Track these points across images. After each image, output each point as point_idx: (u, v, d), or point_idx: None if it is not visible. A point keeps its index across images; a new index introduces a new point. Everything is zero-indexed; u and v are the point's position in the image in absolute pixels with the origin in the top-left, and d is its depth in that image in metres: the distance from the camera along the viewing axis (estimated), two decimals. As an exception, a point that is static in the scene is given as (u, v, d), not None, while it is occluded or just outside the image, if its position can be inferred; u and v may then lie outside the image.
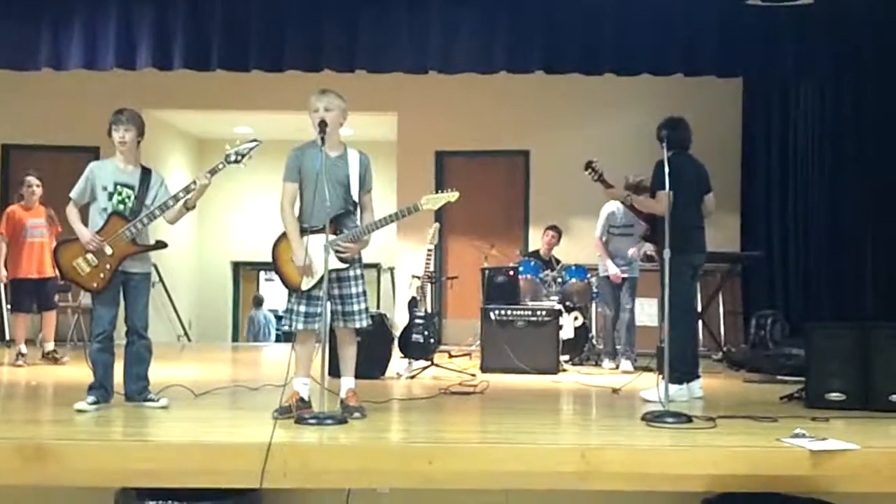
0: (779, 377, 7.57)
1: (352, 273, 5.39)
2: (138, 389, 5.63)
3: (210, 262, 14.78)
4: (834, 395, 5.81)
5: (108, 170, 5.63)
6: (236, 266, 15.67)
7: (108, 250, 5.48)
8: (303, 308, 5.33)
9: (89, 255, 5.48)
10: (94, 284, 5.51)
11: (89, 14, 8.57)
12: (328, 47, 8.64)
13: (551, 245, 10.03)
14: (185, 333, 12.76)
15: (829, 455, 4.34)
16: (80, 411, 5.30)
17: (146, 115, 5.97)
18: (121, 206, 5.57)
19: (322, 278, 5.17)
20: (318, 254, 5.22)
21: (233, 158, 5.64)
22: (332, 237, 5.20)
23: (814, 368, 5.97)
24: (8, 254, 8.73)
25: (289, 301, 5.42)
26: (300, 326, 5.33)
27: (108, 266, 5.50)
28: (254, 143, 5.68)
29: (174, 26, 8.58)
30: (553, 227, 10.04)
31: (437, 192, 5.69)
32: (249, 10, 8.61)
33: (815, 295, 10.49)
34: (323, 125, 5.29)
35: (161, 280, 11.79)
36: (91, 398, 5.41)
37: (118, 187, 5.58)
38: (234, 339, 15.52)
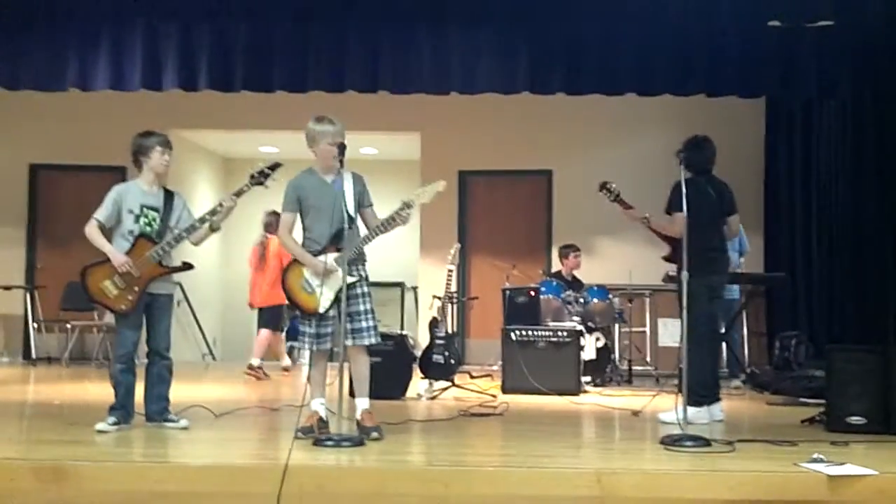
0: (801, 399, 7.51)
1: (359, 290, 5.43)
2: (159, 410, 5.67)
3: (235, 280, 14.82)
4: (854, 419, 5.76)
5: (134, 192, 5.66)
6: (261, 284, 15.71)
7: (136, 272, 5.50)
8: (314, 329, 5.40)
9: (116, 278, 5.49)
10: (123, 307, 5.53)
11: (116, 36, 8.68)
12: (351, 68, 8.72)
13: (577, 265, 9.98)
14: (210, 352, 12.83)
15: (847, 480, 4.31)
16: (100, 432, 5.35)
17: (172, 135, 6.03)
18: (147, 229, 5.61)
19: (334, 300, 5.29)
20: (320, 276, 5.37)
21: (256, 181, 5.70)
22: (336, 255, 5.31)
23: (834, 392, 5.92)
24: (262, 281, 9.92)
25: (301, 324, 5.47)
26: (314, 348, 5.41)
27: (135, 288, 5.52)
28: (276, 166, 5.75)
29: (199, 48, 8.69)
30: (574, 248, 10.00)
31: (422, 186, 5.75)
32: (273, 31, 8.70)
33: (840, 316, 10.40)
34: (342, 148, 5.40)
35: (186, 298, 11.89)
36: (112, 419, 5.46)
37: (144, 210, 5.62)
38: (259, 357, 15.55)
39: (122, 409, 5.53)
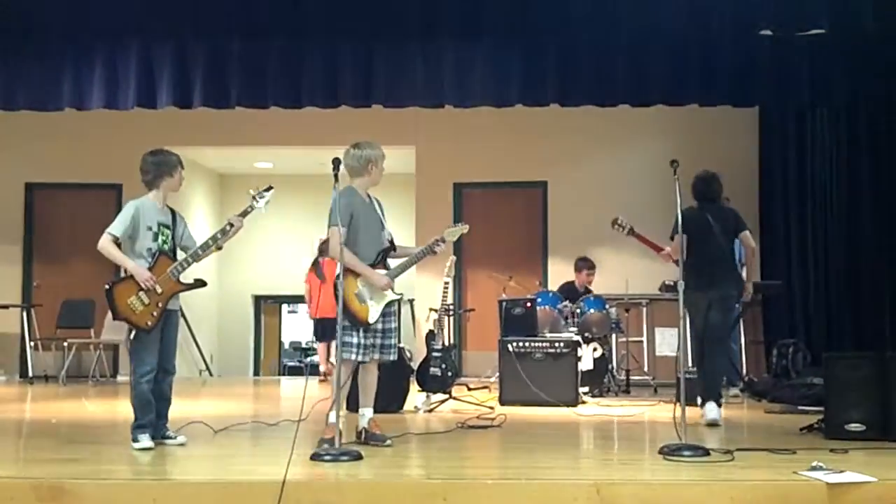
0: (800, 407, 7.51)
1: (394, 308, 5.72)
2: (159, 426, 5.63)
3: (231, 296, 14.85)
4: (853, 426, 5.75)
5: (151, 210, 5.59)
6: (258, 300, 15.73)
7: (159, 289, 5.47)
8: (361, 340, 5.52)
9: (142, 294, 5.43)
10: (148, 323, 5.46)
11: (110, 55, 8.72)
12: (345, 83, 8.75)
13: (589, 282, 9.98)
14: (207, 368, 12.81)
15: (847, 488, 4.30)
16: (145, 449, 5.30)
17: (168, 152, 6.00)
18: (165, 246, 5.59)
19: (384, 311, 5.59)
20: (370, 288, 5.56)
21: (258, 203, 5.76)
22: (385, 271, 5.60)
23: (833, 399, 5.92)
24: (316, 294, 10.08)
25: (343, 333, 5.43)
26: (360, 358, 5.51)
27: (158, 304, 5.48)
28: (270, 188, 5.82)
29: (194, 65, 8.72)
30: (590, 264, 9.97)
31: (452, 226, 6.07)
32: (267, 48, 8.73)
33: (837, 323, 10.41)
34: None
35: (183, 315, 11.83)
36: (146, 435, 5.39)
37: (161, 227, 5.59)
38: (256, 373, 15.56)
39: (151, 427, 5.46)
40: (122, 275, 5.54)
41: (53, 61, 8.77)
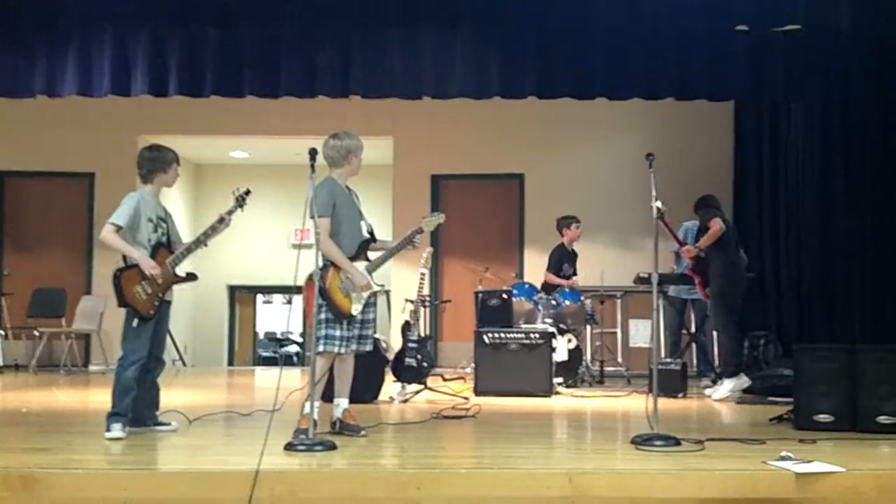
0: (770, 398, 7.58)
1: (373, 299, 5.69)
2: (151, 415, 5.68)
3: (206, 286, 14.72)
4: (822, 417, 5.81)
5: (149, 203, 5.63)
6: (232, 290, 15.66)
7: (160, 280, 5.53)
8: (343, 332, 5.51)
9: (145, 283, 5.49)
10: (150, 312, 5.53)
11: (84, 41, 8.64)
12: (322, 73, 8.73)
13: (578, 237, 9.78)
14: (181, 358, 12.74)
15: (815, 477, 4.35)
16: (117, 439, 5.27)
17: (142, 141, 6.01)
18: (164, 239, 5.65)
19: (365, 302, 5.57)
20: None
21: (239, 204, 5.72)
22: (366, 264, 5.61)
23: (802, 390, 5.98)
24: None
25: (325, 326, 5.46)
26: (342, 350, 5.52)
27: (159, 294, 5.56)
28: (248, 192, 5.77)
29: (169, 53, 8.65)
30: (575, 219, 9.72)
31: (429, 215, 6.08)
32: (243, 36, 8.68)
33: (808, 316, 10.51)
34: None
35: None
36: (119, 424, 5.34)
37: (158, 220, 5.65)
38: (231, 363, 15.50)
39: (127, 416, 5.42)
40: (125, 263, 5.55)
41: (25, 47, 8.68)
